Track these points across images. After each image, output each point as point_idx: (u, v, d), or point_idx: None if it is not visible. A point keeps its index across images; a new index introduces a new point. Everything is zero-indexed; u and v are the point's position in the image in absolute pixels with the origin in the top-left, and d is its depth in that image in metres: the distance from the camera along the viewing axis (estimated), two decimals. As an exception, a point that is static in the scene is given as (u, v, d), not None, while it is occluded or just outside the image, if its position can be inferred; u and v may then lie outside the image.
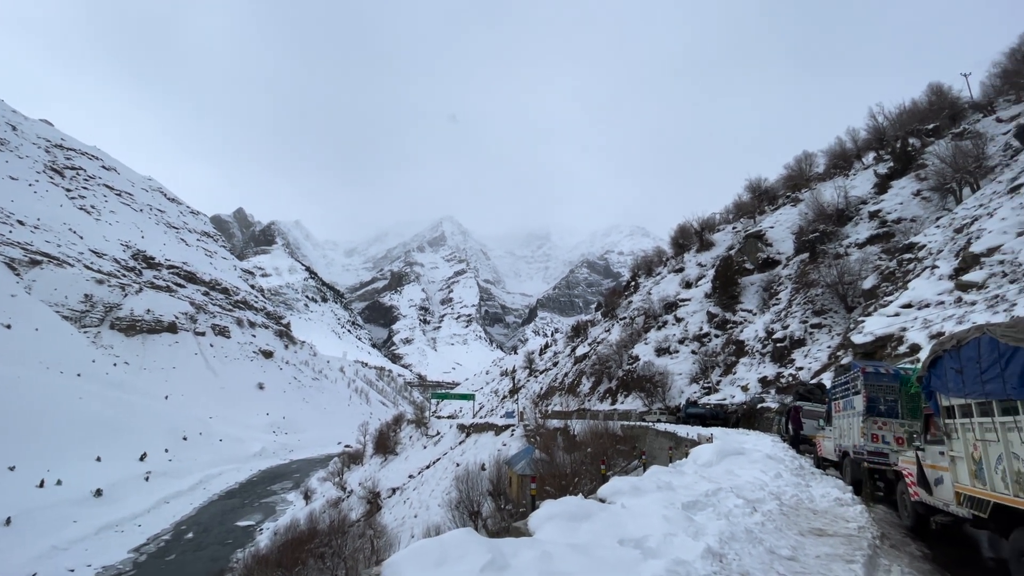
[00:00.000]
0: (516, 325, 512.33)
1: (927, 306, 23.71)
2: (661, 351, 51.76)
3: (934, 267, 26.27)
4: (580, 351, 78.78)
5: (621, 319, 70.20)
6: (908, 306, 24.68)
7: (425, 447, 65.14)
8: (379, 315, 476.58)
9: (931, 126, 44.60)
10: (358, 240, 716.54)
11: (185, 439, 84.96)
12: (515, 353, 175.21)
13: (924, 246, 29.83)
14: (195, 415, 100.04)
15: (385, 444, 72.40)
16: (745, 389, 36.13)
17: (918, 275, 27.06)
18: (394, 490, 50.39)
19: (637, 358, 53.35)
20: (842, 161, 53.82)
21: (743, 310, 47.60)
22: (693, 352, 47.55)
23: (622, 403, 51.34)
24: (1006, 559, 5.18)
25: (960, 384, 5.70)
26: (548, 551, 4.25)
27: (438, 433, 69.02)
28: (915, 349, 20.02)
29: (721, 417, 32.43)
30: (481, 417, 78.73)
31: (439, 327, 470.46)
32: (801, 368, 32.50)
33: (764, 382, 34.89)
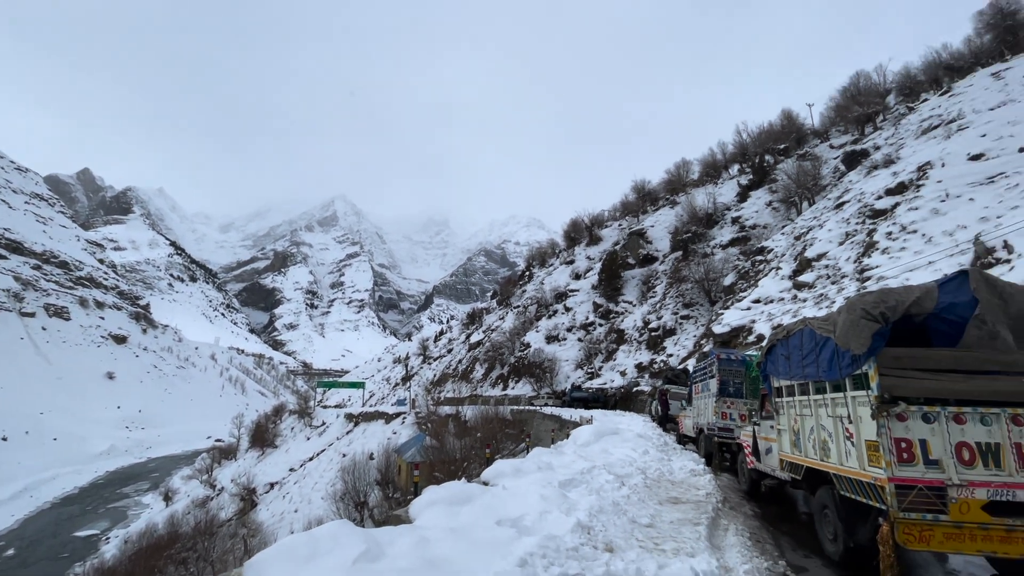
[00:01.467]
0: (412, 311, 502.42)
1: (771, 301, 27.55)
2: (551, 338, 54.17)
3: (778, 268, 30.54)
4: (475, 338, 79.57)
5: (515, 307, 72.09)
6: (757, 301, 28.46)
7: (309, 438, 61.61)
8: (259, 298, 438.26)
9: (782, 146, 51.41)
10: (236, 215, 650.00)
11: (4, 439, 71.41)
12: (409, 340, 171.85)
13: (772, 250, 34.52)
14: (19, 410, 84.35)
15: (263, 437, 67.20)
16: (623, 374, 39.22)
17: (766, 275, 31.28)
18: (272, 485, 47.10)
19: (528, 345, 55.29)
20: (713, 170, 59.91)
21: (624, 301, 51.39)
22: (579, 340, 50.44)
23: (513, 388, 52.94)
24: (813, 513, 6.26)
25: (787, 368, 6.72)
26: (426, 536, 4.29)
27: (323, 423, 65.62)
28: (760, 339, 23.10)
29: (602, 400, 34.93)
30: (371, 406, 76.36)
31: (328, 312, 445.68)
32: (671, 355, 36.03)
33: (640, 368, 38.14)
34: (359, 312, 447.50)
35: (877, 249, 24.34)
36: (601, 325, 51.18)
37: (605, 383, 39.72)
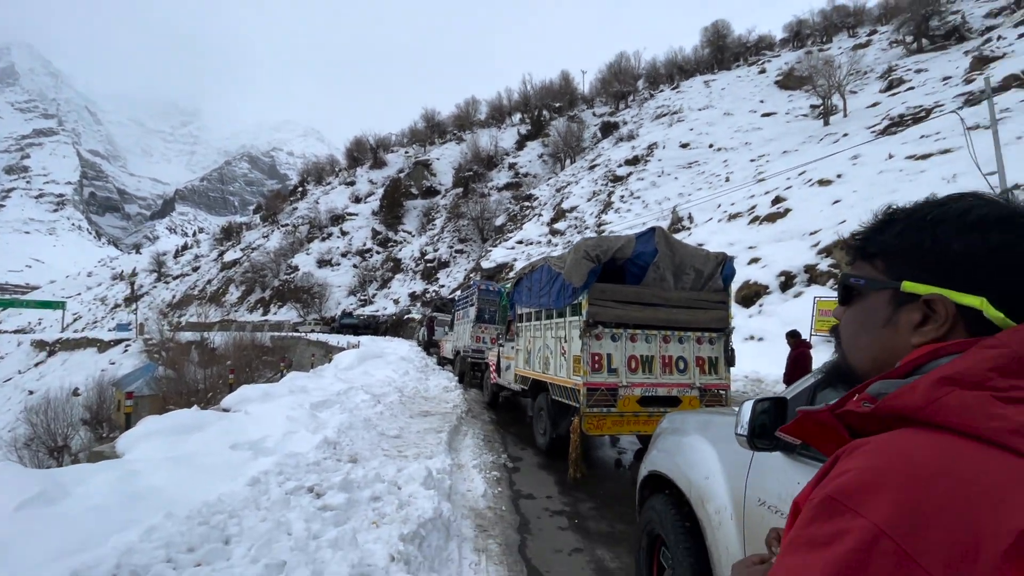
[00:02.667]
0: (143, 218, 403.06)
1: (532, 243, 31.19)
2: (323, 263, 50.96)
3: (540, 215, 34.53)
4: (231, 256, 69.37)
5: (284, 226, 64.90)
6: (521, 242, 31.85)
7: (-35, 373, 45.93)
8: None
9: (558, 104, 56.67)
10: None
11: None
12: (138, 253, 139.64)
13: (538, 198, 38.69)
14: None
15: None
16: (397, 302, 39.84)
17: (530, 220, 35.09)
18: None
19: (297, 268, 50.99)
20: (498, 114, 62.58)
21: (404, 231, 51.33)
22: (355, 266, 48.78)
23: (275, 314, 48.66)
24: (533, 416, 7.64)
25: (529, 298, 7.81)
26: (134, 469, 3.75)
27: (-6, 354, 49.65)
28: (519, 275, 26.08)
29: (373, 327, 35.00)
30: (77, 331, 60.55)
31: (2, 207, 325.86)
32: (444, 286, 37.98)
33: (413, 297, 39.26)
34: (57, 211, 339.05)
35: (613, 208, 29.61)
36: (379, 252, 50.31)
37: (378, 310, 39.76)
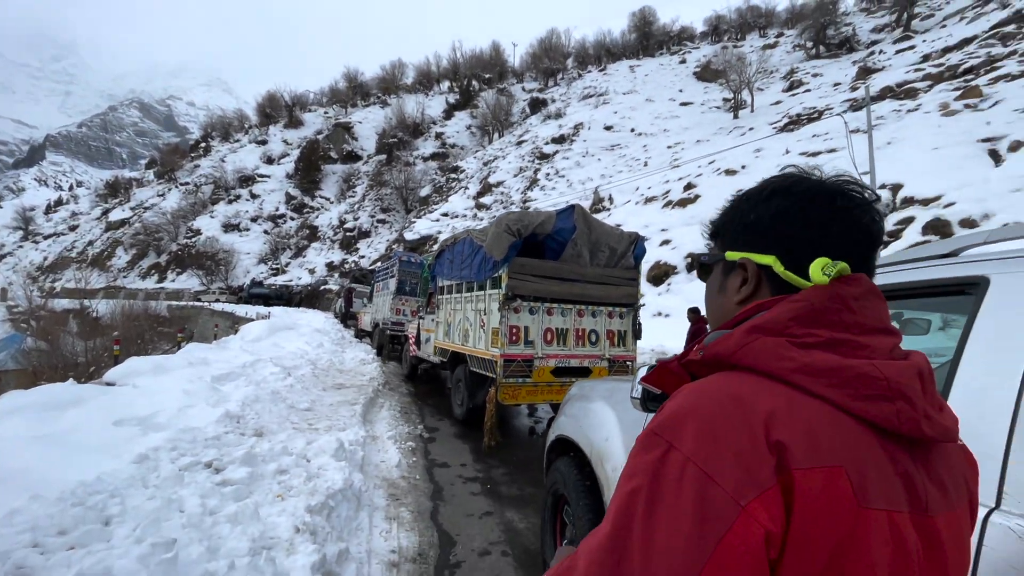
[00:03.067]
0: (3, 166, 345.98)
1: (457, 216, 30.83)
2: (230, 227, 47.05)
3: (467, 188, 34.13)
4: (117, 215, 61.97)
5: (183, 184, 58.81)
6: (446, 215, 31.37)
7: None
8: None
9: (487, 76, 55.69)
10: None
11: None
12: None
13: (464, 170, 38.14)
14: None
15: None
16: (313, 272, 37.87)
17: (456, 192, 34.58)
18: None
19: (199, 232, 46.68)
20: (426, 80, 60.38)
21: (322, 197, 48.57)
22: (266, 232, 45.56)
23: (173, 281, 44.47)
24: (451, 387, 7.69)
25: (451, 270, 7.77)
26: (-9, 449, 3.31)
27: None
28: (443, 248, 25.78)
29: (285, 297, 33.11)
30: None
31: None
32: (364, 256, 36.63)
33: (331, 267, 37.51)
34: None
35: (538, 185, 29.96)
36: (293, 219, 47.31)
37: (292, 280, 37.61)
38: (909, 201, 13.21)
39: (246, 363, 7.79)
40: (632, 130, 33.55)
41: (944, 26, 30.40)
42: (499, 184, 32.27)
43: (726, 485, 0.49)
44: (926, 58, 25.36)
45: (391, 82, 61.73)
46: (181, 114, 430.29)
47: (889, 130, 17.85)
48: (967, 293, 1.22)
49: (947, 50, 24.86)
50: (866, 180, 12.86)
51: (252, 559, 2.46)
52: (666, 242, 17.09)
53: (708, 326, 0.80)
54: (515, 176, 32.64)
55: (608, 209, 22.45)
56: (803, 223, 0.66)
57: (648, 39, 51.92)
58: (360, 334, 16.35)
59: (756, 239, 0.70)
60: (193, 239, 46.09)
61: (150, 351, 19.55)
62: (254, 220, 48.08)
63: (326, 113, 63.73)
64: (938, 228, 11.71)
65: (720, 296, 0.75)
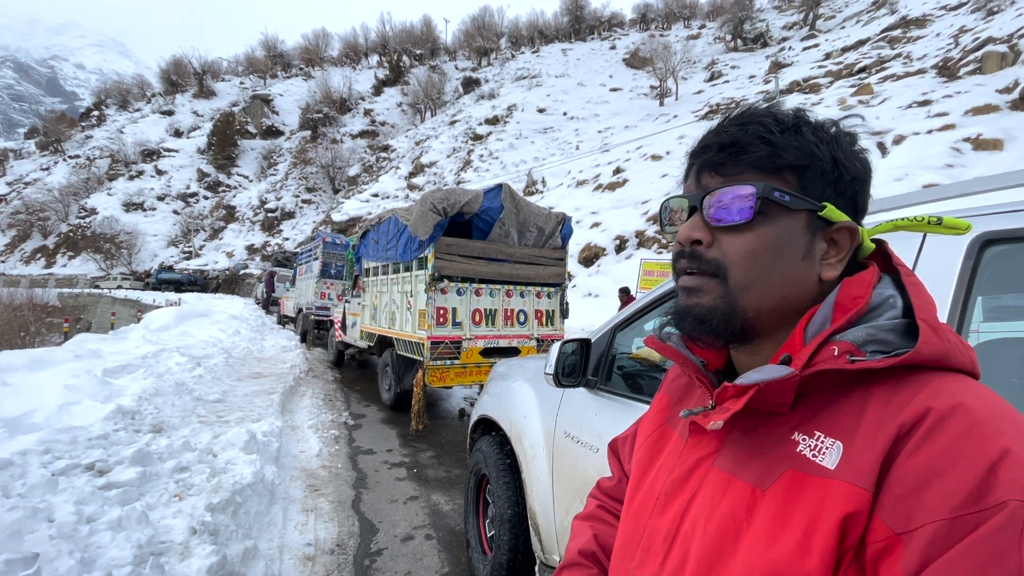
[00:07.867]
0: None
1: (388, 197, 29.83)
2: (132, 206, 42.67)
3: (398, 168, 33.04)
4: (-10, 192, 54.18)
5: (73, 158, 52.41)
6: (376, 195, 30.25)
7: None
8: None
9: (419, 52, 53.88)
10: None
11: None
12: None
13: (395, 150, 36.86)
14: None
15: None
16: (231, 255, 35.30)
17: (387, 172, 33.39)
18: None
19: (95, 211, 41.97)
20: (354, 53, 57.46)
21: (240, 175, 45.19)
22: (175, 212, 41.78)
23: (65, 266, 39.85)
24: (378, 372, 7.45)
25: (376, 251, 7.46)
26: None
27: None
28: (373, 230, 24.95)
29: (200, 283, 30.72)
30: None
31: None
32: (288, 239, 34.64)
33: (251, 249, 35.15)
34: None
35: (472, 167, 29.58)
36: (207, 198, 43.71)
37: (207, 264, 34.88)
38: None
39: (147, 354, 7.09)
40: (564, 113, 33.86)
41: (844, 27, 33.06)
42: (432, 164, 31.51)
43: None
44: (828, 56, 27.49)
45: (315, 53, 58.06)
46: (68, 77, 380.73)
47: (796, 121, 19.18)
48: None
49: (845, 50, 27.07)
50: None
51: (136, 568, 2.21)
52: (596, 224, 17.50)
53: (751, 301, 0.52)
54: (448, 157, 32.00)
55: (541, 192, 22.61)
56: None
57: (580, 23, 52.32)
58: (283, 320, 15.48)
59: (852, 201, 0.53)
60: (88, 219, 41.35)
61: (36, 344, 17.42)
62: (161, 199, 43.84)
63: (242, 83, 58.94)
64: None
65: (803, 264, 0.52)
